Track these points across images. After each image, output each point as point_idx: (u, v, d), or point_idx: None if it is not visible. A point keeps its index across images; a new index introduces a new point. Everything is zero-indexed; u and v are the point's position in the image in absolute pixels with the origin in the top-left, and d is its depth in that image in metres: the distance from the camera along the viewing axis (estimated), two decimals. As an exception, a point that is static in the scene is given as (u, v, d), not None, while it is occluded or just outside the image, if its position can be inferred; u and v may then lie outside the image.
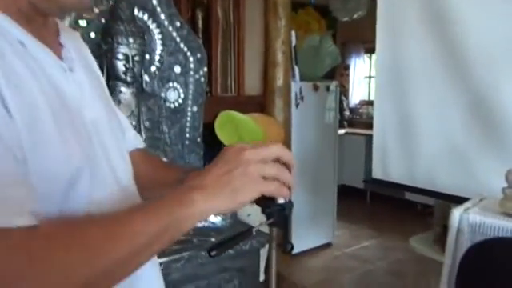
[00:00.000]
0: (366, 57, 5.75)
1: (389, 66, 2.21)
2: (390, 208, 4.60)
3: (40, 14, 0.63)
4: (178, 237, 0.59)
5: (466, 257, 1.13)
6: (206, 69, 2.46)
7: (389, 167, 2.18)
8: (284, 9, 3.02)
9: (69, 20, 1.98)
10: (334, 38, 3.91)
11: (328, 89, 3.46)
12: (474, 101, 1.82)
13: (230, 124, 2.86)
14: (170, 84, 2.38)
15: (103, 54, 2.09)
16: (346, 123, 5.51)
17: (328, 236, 3.57)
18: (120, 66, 2.07)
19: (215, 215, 2.18)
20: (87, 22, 2.05)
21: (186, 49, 2.39)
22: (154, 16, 2.22)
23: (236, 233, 0.67)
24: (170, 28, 2.28)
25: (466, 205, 1.27)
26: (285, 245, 0.64)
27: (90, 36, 2.06)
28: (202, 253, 1.91)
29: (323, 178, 3.55)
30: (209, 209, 0.58)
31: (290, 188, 0.64)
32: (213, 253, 0.59)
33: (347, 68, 5.70)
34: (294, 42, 3.14)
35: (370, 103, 5.62)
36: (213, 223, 2.10)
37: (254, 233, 0.69)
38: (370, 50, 5.52)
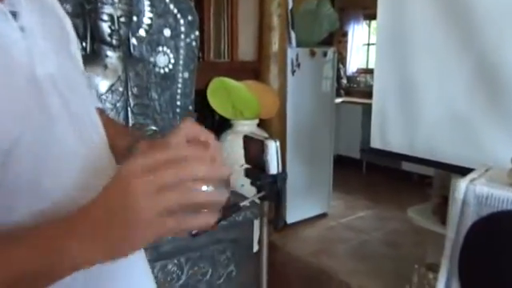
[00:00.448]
0: (364, 24, 5.58)
1: (390, 30, 2.10)
2: (386, 178, 4.56)
3: None
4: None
5: (472, 230, 1.06)
6: (197, 32, 2.35)
7: (388, 136, 2.10)
8: (280, -31, 2.87)
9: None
10: (332, 3, 3.76)
11: (325, 55, 3.33)
12: (479, 66, 1.72)
13: (223, 91, 2.76)
14: (160, 48, 2.26)
15: (86, 14, 1.96)
16: (342, 92, 5.40)
17: (323, 206, 3.53)
18: (105, 27, 1.94)
19: (207, 185, 2.11)
20: (67, -21, 1.91)
21: (176, 10, 2.26)
22: (140, -27, 2.08)
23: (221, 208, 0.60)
24: (159, -13, 2.15)
25: (472, 175, 1.20)
26: (276, 221, 0.57)
27: (70, -6, 1.93)
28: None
29: (319, 148, 3.48)
30: (85, 261, 0.45)
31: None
32: (194, 231, 0.52)
33: (345, 35, 5.54)
34: (290, 5, 3.00)
35: (368, 71, 5.50)
36: (205, 194, 2.04)
37: (243, 206, 0.61)
38: (370, 17, 5.35)
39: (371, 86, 5.51)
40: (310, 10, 3.30)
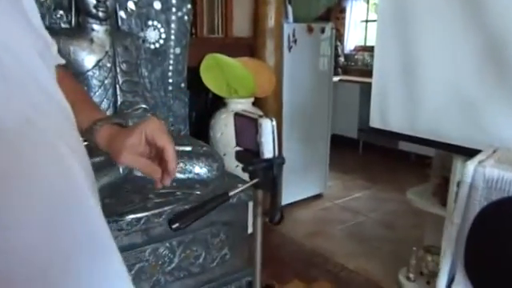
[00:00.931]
0: (363, 0, 5.43)
1: (392, 5, 1.99)
2: (383, 158, 4.51)
3: None
4: None
5: (481, 215, 1.00)
6: (189, 6, 2.24)
7: (388, 116, 2.02)
8: None
9: None
10: (330, -23, 3.62)
11: (323, 31, 3.22)
12: (488, 44, 1.63)
13: (216, 68, 2.66)
14: (150, 22, 2.16)
15: (69, -16, 1.85)
16: (340, 70, 5.29)
17: (319, 187, 3.48)
18: (90, -2, 1.83)
19: (200, 167, 2.04)
20: None
21: (166, -19, 2.15)
22: None
23: (208, 197, 0.52)
24: (147, -45, 2.03)
25: (480, 157, 1.12)
26: (272, 213, 0.49)
27: (51, -38, 1.81)
28: (186, 206, 1.79)
29: (316, 128, 3.40)
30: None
31: None
32: (174, 225, 0.44)
33: (343, 11, 5.39)
34: (287, -22, 2.88)
35: (366, 49, 5.38)
36: (197, 174, 1.96)
37: (232, 199, 0.53)
38: (368, -8, 5.20)
39: (369, 65, 5.42)
40: (308, -16, 3.18)
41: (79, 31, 1.87)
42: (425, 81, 1.86)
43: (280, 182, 0.53)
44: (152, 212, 1.69)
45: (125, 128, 0.75)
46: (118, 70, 1.96)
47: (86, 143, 0.72)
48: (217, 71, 2.58)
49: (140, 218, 1.65)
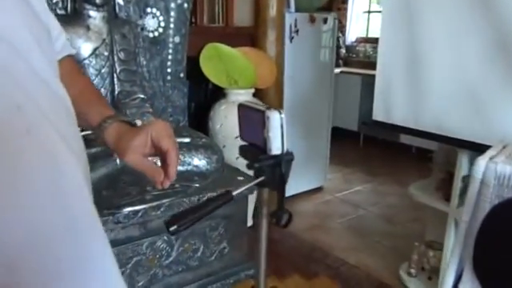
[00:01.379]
0: (365, -10, 5.35)
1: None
2: (384, 151, 4.47)
3: None
4: None
5: (492, 213, 0.95)
6: (189, -7, 2.18)
7: (392, 109, 1.97)
8: None
9: None
10: (333, -33, 3.55)
11: (326, 21, 3.16)
12: (497, 34, 1.58)
13: (216, 58, 2.60)
14: (149, 10, 2.10)
15: (65, -31, 1.79)
16: (341, 62, 5.22)
17: (320, 180, 3.43)
18: (86, -16, 1.77)
19: (199, 159, 2.00)
20: None
21: (166, -32, 2.09)
22: None
23: (209, 197, 0.47)
24: None
25: (490, 152, 1.08)
26: (279, 215, 0.44)
27: None
28: (184, 199, 1.76)
29: (317, 120, 3.35)
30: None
31: None
32: (172, 228, 0.40)
33: (345, 2, 5.31)
34: (289, -33, 2.81)
35: (368, 41, 5.31)
36: (196, 166, 1.92)
37: (236, 196, 0.49)
38: (371, -17, 5.12)
39: (371, 56, 5.34)
40: (310, -27, 3.11)
41: (75, 18, 1.82)
42: (430, 74, 1.81)
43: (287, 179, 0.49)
44: (150, 205, 1.65)
45: (133, 127, 0.76)
46: (116, 58, 1.91)
47: (83, 133, 0.72)
48: (217, 61, 2.52)
49: (137, 211, 1.61)
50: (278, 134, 0.59)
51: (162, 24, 2.15)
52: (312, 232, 2.68)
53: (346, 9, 5.33)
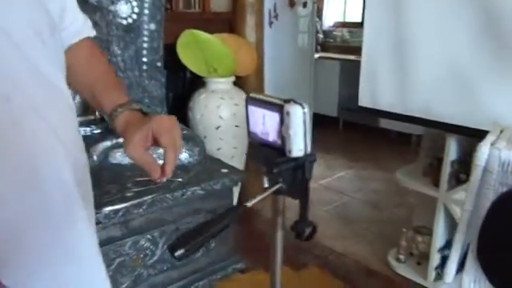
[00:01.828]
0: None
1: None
2: (364, 136, 4.46)
3: None
4: None
5: (498, 202, 0.91)
6: (163, -23, 2.06)
7: (378, 94, 1.93)
8: None
9: None
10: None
11: (305, 5, 3.08)
12: (483, 17, 1.54)
13: (194, 45, 2.49)
14: (121, -5, 1.98)
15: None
16: (319, 47, 5.16)
17: (302, 167, 3.39)
18: (52, -32, 1.64)
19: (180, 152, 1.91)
20: None
21: (138, -50, 1.96)
22: None
23: (215, 215, 0.40)
24: None
25: (490, 138, 1.04)
26: (301, 228, 0.37)
27: None
28: (167, 195, 1.68)
29: (298, 107, 3.29)
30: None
31: None
32: (178, 253, 0.33)
33: (321, -15, 5.24)
34: (267, -52, 2.71)
35: (345, 25, 5.26)
36: (178, 160, 1.84)
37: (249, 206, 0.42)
38: (347, -34, 5.05)
39: (349, 41, 5.29)
40: (288, -45, 3.01)
41: (41, 4, 1.68)
42: (418, 58, 1.76)
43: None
44: (131, 203, 1.57)
45: (143, 115, 0.76)
46: (88, 47, 1.79)
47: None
48: (195, 49, 2.42)
49: (118, 210, 1.53)
50: (301, 133, 0.49)
51: (136, 10, 2.03)
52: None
53: (322, -8, 5.25)
